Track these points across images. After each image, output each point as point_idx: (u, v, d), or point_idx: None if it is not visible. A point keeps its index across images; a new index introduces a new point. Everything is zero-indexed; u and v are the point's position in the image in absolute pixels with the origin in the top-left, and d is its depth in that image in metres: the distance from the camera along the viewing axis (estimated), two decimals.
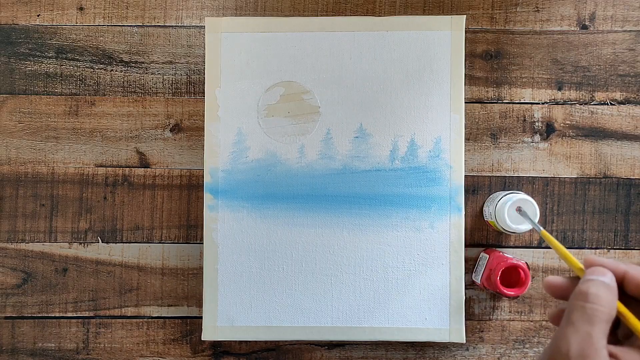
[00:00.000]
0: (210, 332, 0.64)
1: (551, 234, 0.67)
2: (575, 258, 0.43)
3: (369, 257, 0.64)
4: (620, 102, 0.67)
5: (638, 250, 0.67)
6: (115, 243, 0.68)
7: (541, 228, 0.48)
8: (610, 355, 0.37)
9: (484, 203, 0.67)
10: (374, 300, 0.64)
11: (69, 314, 0.67)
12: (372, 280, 0.64)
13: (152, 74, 0.68)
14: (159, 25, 0.68)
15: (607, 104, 0.67)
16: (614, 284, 0.38)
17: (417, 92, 0.64)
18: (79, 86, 0.68)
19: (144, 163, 0.68)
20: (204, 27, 0.67)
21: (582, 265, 0.41)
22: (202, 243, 0.66)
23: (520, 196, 0.62)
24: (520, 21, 0.68)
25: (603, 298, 0.37)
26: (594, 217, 0.67)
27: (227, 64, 0.65)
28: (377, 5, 0.68)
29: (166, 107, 0.68)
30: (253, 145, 0.65)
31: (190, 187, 0.68)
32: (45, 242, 0.68)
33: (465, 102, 0.66)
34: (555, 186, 0.67)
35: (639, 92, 0.67)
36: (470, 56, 0.67)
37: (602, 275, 0.39)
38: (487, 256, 0.64)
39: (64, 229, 0.68)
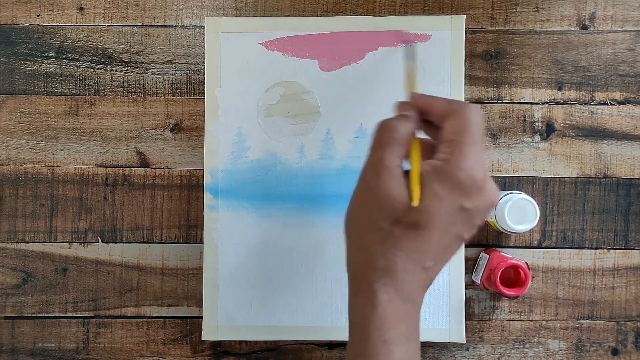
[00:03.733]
0: (210, 332, 0.64)
1: (551, 234, 0.67)
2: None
3: None
4: (620, 102, 0.67)
5: (638, 250, 0.67)
6: (115, 243, 0.68)
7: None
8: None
9: None
10: None
11: (69, 314, 0.67)
12: None
13: (152, 74, 0.68)
14: (159, 25, 0.68)
15: (607, 104, 0.67)
16: (411, 114, 0.46)
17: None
18: (79, 86, 0.68)
19: (144, 163, 0.68)
20: (204, 27, 0.67)
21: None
22: (202, 243, 0.66)
23: (520, 196, 0.62)
24: (520, 21, 0.68)
25: (392, 126, 0.44)
26: (594, 217, 0.67)
27: (227, 64, 0.65)
28: (377, 5, 0.68)
29: (166, 107, 0.68)
30: (253, 145, 0.65)
31: (190, 187, 0.68)
32: (45, 242, 0.68)
33: None
34: (555, 186, 0.67)
35: (639, 92, 0.67)
36: (470, 56, 0.67)
37: (403, 109, 0.46)
38: (487, 256, 0.64)
39: (64, 229, 0.68)
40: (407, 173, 0.44)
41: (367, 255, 0.43)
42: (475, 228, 0.44)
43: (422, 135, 0.48)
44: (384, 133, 0.44)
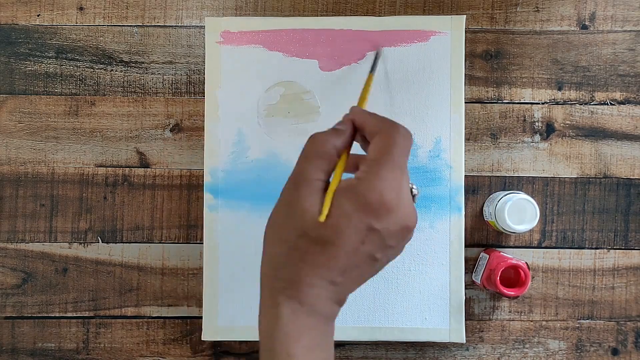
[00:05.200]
0: (210, 332, 0.64)
1: (551, 234, 0.67)
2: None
3: None
4: (620, 102, 0.67)
5: (638, 250, 0.67)
6: (115, 243, 0.68)
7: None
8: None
9: (484, 203, 0.67)
10: (374, 300, 0.64)
11: (69, 314, 0.67)
12: (372, 280, 0.64)
13: (152, 74, 0.68)
14: (159, 25, 0.68)
15: (607, 104, 0.67)
16: (344, 129, 0.45)
17: (417, 92, 0.64)
18: (79, 86, 0.68)
19: (144, 163, 0.68)
20: (204, 27, 0.67)
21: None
22: (202, 243, 0.66)
23: (521, 196, 0.62)
24: (520, 21, 0.68)
25: (319, 140, 0.44)
26: (594, 217, 0.67)
27: (227, 64, 0.65)
28: (377, 5, 0.68)
29: (166, 107, 0.68)
30: (253, 145, 0.65)
31: (190, 187, 0.68)
32: (45, 242, 0.68)
33: (465, 102, 0.66)
34: (555, 186, 0.67)
35: (639, 92, 0.67)
36: (470, 56, 0.67)
37: (339, 123, 0.46)
38: (487, 256, 0.64)
39: (64, 229, 0.68)
40: None
41: (273, 267, 0.43)
42: (389, 249, 0.43)
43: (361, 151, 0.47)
44: (310, 146, 0.44)
